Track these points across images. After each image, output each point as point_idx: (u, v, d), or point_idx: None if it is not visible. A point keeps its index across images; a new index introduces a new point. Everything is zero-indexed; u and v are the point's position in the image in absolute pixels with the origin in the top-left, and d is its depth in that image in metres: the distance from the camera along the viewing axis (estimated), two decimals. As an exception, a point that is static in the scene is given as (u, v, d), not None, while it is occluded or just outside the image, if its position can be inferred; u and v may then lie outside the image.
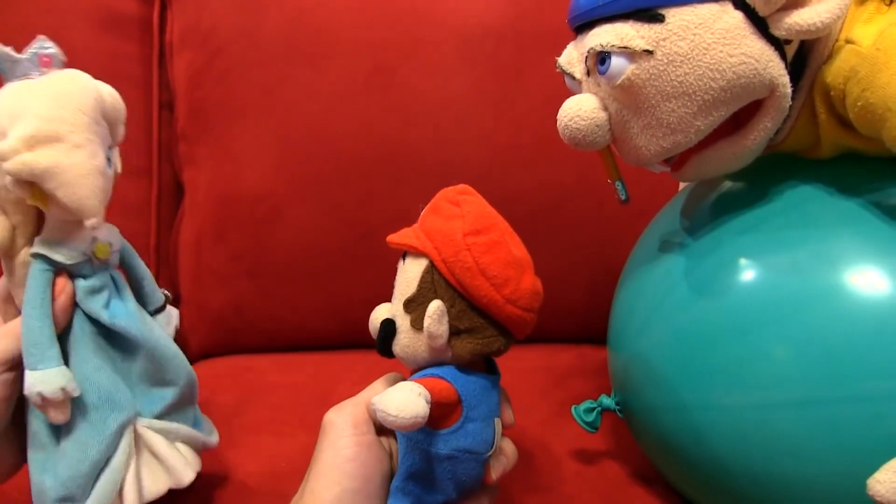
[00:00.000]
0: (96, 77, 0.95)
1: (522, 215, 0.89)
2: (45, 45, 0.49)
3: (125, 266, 0.55)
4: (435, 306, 0.47)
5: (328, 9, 0.91)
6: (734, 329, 0.49)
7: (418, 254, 0.49)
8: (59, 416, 0.47)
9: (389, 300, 0.52)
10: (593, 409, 0.62)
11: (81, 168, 0.44)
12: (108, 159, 0.48)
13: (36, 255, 0.48)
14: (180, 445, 0.54)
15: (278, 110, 0.92)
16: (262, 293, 0.95)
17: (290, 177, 0.92)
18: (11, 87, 0.47)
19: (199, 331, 0.96)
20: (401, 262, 0.51)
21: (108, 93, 0.50)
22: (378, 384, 0.52)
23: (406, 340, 0.49)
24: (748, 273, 0.50)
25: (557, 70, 0.53)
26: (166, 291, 0.58)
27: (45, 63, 0.48)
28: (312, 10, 0.92)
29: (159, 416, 0.52)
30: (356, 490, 0.47)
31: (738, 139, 0.49)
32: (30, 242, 0.49)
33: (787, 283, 0.48)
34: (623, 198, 0.56)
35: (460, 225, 0.48)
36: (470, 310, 0.48)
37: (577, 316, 0.93)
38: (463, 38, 0.90)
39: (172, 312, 0.57)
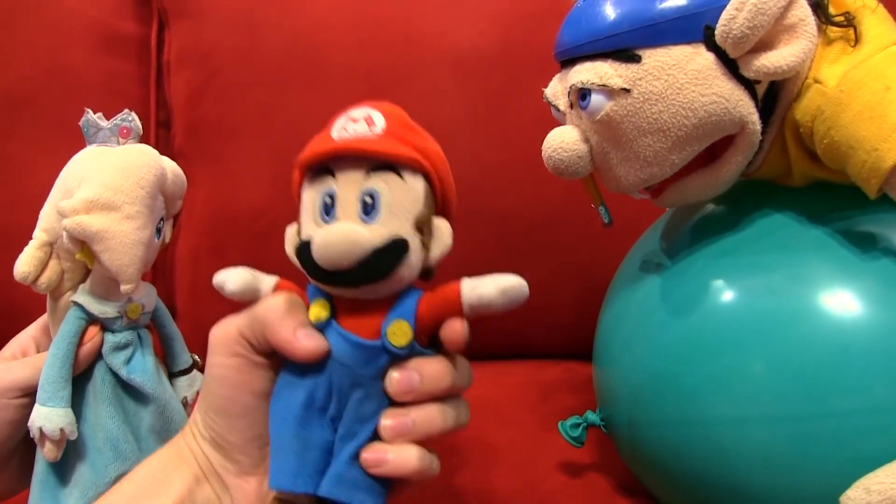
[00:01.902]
0: (94, 95, 0.97)
1: (512, 233, 0.92)
2: (127, 118, 0.51)
3: (157, 325, 0.57)
4: (447, 224, 0.44)
5: (324, 31, 0.93)
6: (712, 348, 0.51)
7: (417, 169, 0.43)
8: (50, 454, 0.49)
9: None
10: (579, 424, 0.63)
11: (128, 238, 0.47)
12: (159, 230, 0.51)
13: (75, 303, 0.50)
14: None
15: (275, 129, 0.93)
16: (258, 309, 0.96)
17: (286, 194, 0.88)
18: (90, 151, 0.51)
19: (196, 346, 0.96)
20: (374, 180, 0.42)
21: (171, 169, 0.52)
22: (276, 300, 0.43)
23: (415, 261, 0.42)
24: (725, 295, 0.52)
25: (544, 101, 0.56)
26: (197, 357, 0.59)
27: (124, 134, 0.51)
28: (309, 32, 0.93)
29: None
30: (217, 407, 0.43)
31: (712, 171, 0.51)
32: (74, 288, 0.52)
33: (762, 305, 0.50)
34: (606, 221, 0.58)
35: (437, 145, 0.46)
36: None
37: (564, 332, 0.94)
38: (455, 60, 0.91)
39: (197, 377, 0.57)
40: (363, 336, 0.42)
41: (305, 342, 0.41)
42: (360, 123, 0.43)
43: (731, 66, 0.47)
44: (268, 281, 0.45)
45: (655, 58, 0.47)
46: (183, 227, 0.99)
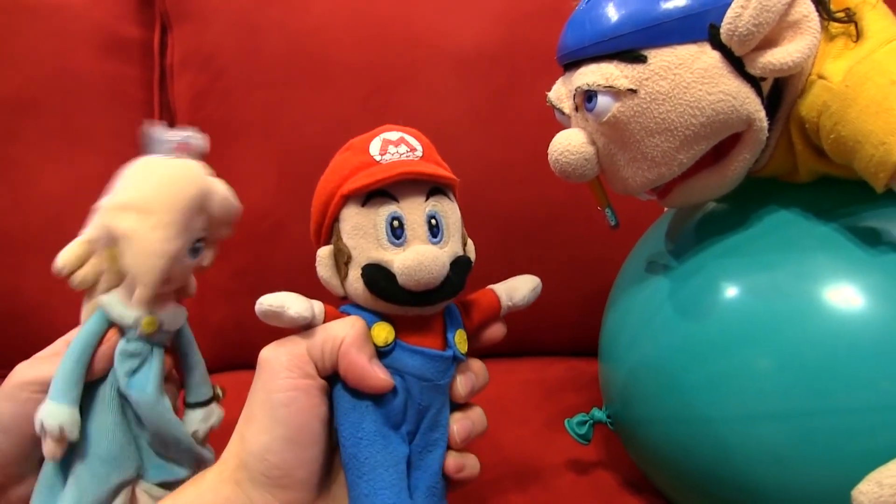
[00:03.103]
0: (98, 99, 0.96)
1: (516, 231, 0.92)
2: (189, 135, 0.51)
3: (180, 352, 0.56)
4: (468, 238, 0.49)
5: (327, 32, 0.92)
6: (718, 346, 0.50)
7: (454, 190, 0.48)
8: (49, 451, 0.48)
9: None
10: (585, 422, 0.63)
11: (152, 245, 0.46)
12: (196, 250, 0.51)
13: (100, 304, 0.50)
14: None
15: (279, 131, 0.93)
16: (263, 309, 0.96)
17: (290, 195, 0.93)
18: (143, 159, 0.50)
19: (200, 346, 0.96)
20: (434, 203, 0.45)
21: (220, 192, 0.51)
22: (354, 328, 0.44)
23: (467, 275, 0.47)
24: (731, 293, 0.51)
25: (548, 104, 0.55)
26: (219, 390, 0.58)
27: (181, 148, 0.50)
28: (312, 33, 0.93)
29: (162, 485, 0.52)
30: (289, 438, 0.42)
31: (720, 169, 0.51)
32: (107, 291, 0.51)
33: (768, 302, 0.49)
34: (613, 223, 0.58)
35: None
36: None
37: (569, 330, 0.94)
38: (458, 60, 0.90)
39: (214, 411, 0.56)
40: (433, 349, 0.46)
41: (382, 374, 0.43)
42: (401, 146, 0.46)
43: (736, 63, 0.47)
44: (318, 305, 0.45)
45: (661, 57, 0.47)
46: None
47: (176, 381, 0.56)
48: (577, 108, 0.52)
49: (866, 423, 0.45)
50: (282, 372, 0.43)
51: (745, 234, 0.54)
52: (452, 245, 0.46)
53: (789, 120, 0.51)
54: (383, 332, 0.45)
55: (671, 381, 0.53)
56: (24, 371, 0.50)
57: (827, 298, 0.47)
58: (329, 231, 0.46)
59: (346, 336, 0.43)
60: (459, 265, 0.45)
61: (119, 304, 0.50)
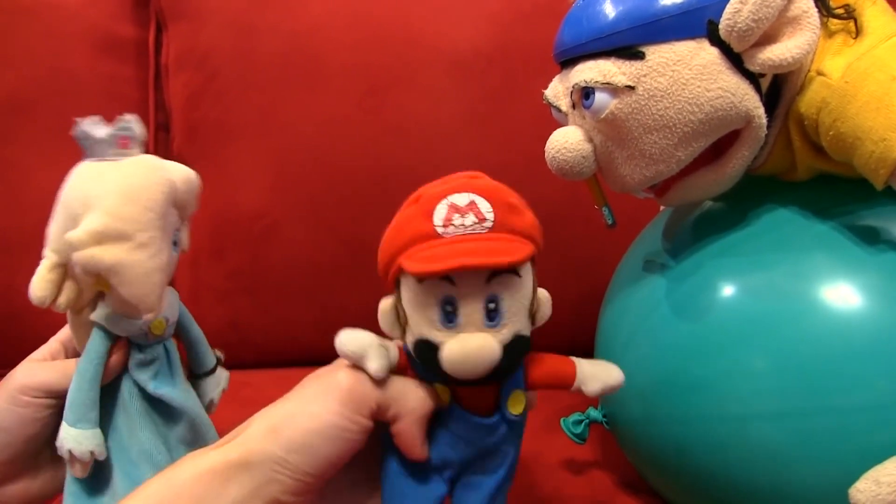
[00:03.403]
0: (93, 99, 0.96)
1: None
2: (125, 127, 0.48)
3: (181, 330, 0.55)
4: (547, 294, 0.47)
5: (322, 32, 0.92)
6: (715, 345, 0.50)
7: (528, 260, 0.43)
8: (79, 472, 0.48)
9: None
10: (581, 421, 0.63)
11: (142, 267, 0.45)
12: (176, 243, 0.49)
13: (95, 324, 0.49)
14: None
15: (273, 131, 0.93)
16: (258, 309, 0.96)
17: (285, 196, 0.93)
18: (88, 168, 0.47)
19: None
20: (495, 286, 0.41)
21: (179, 178, 0.49)
22: (422, 400, 0.44)
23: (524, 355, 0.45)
24: (727, 292, 0.51)
25: (544, 102, 0.55)
26: (219, 354, 0.58)
27: (123, 144, 0.48)
28: (306, 33, 0.92)
29: None
30: (326, 457, 0.41)
31: (718, 167, 0.50)
32: (94, 300, 0.49)
33: (764, 302, 0.49)
34: (610, 222, 0.57)
35: (527, 208, 0.46)
36: None
37: (564, 330, 0.91)
38: (453, 60, 0.90)
39: (222, 375, 0.56)
40: (482, 414, 0.44)
41: (424, 453, 0.44)
42: (468, 216, 0.42)
43: (735, 60, 0.46)
44: (393, 351, 0.44)
45: (659, 54, 0.46)
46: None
47: (182, 361, 0.55)
48: (574, 106, 0.52)
49: (863, 422, 0.45)
50: (350, 404, 0.41)
51: (742, 233, 0.53)
52: (513, 326, 0.42)
53: (788, 117, 0.50)
54: (445, 395, 0.45)
55: (667, 381, 0.53)
56: (26, 375, 0.50)
57: (824, 297, 0.47)
58: (392, 286, 0.45)
59: (415, 411, 0.43)
60: (513, 349, 0.42)
61: (120, 320, 0.49)
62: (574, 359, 0.47)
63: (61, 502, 0.51)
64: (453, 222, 0.42)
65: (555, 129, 0.53)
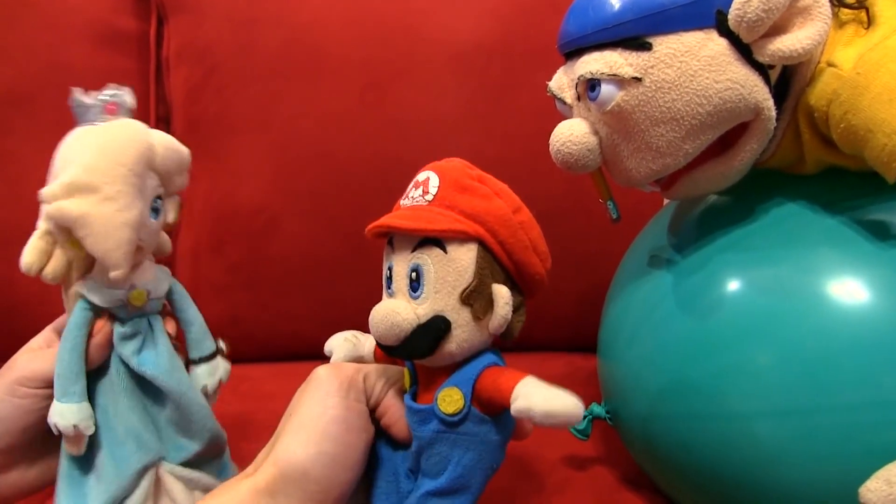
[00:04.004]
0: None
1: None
2: (115, 93, 0.48)
3: (175, 309, 0.54)
4: (505, 291, 0.43)
5: (322, 26, 0.92)
6: (719, 341, 0.49)
7: (465, 239, 0.43)
8: (72, 449, 0.48)
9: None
10: (584, 417, 0.62)
11: (109, 221, 0.44)
12: (156, 210, 0.48)
13: (78, 294, 0.48)
14: (199, 494, 0.52)
15: (274, 125, 0.93)
16: (258, 304, 0.96)
17: (285, 190, 0.93)
18: (76, 132, 0.47)
19: None
20: (419, 255, 0.43)
21: (161, 143, 0.49)
22: (396, 373, 0.48)
23: (465, 335, 0.43)
24: (732, 288, 0.50)
25: (548, 94, 0.54)
26: (222, 344, 0.57)
27: (110, 110, 0.48)
28: (307, 27, 0.92)
29: (183, 464, 0.52)
30: (335, 455, 0.42)
31: (726, 160, 0.49)
32: (83, 276, 0.49)
33: (769, 298, 0.48)
34: (615, 217, 0.56)
35: (503, 203, 0.45)
36: (516, 287, 0.46)
37: (567, 325, 0.93)
38: (454, 54, 0.90)
39: (220, 365, 0.55)
40: (423, 402, 0.45)
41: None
42: (418, 189, 0.45)
43: (744, 51, 0.45)
44: (369, 344, 0.50)
45: (667, 45, 0.45)
46: (183, 223, 0.98)
47: (180, 342, 0.55)
48: (579, 98, 0.50)
49: (869, 420, 0.44)
50: (339, 391, 0.44)
51: (748, 228, 0.52)
52: (434, 303, 0.43)
53: (797, 109, 0.50)
54: (406, 380, 0.47)
55: (671, 377, 0.52)
56: (23, 366, 0.50)
57: (829, 293, 0.47)
58: None
59: (398, 386, 0.47)
60: (425, 328, 0.42)
61: (98, 290, 0.48)
62: (530, 379, 0.42)
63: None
64: (409, 195, 0.45)
65: (557, 123, 0.52)
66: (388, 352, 0.44)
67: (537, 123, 0.88)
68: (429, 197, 0.44)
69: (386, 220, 0.43)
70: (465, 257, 0.43)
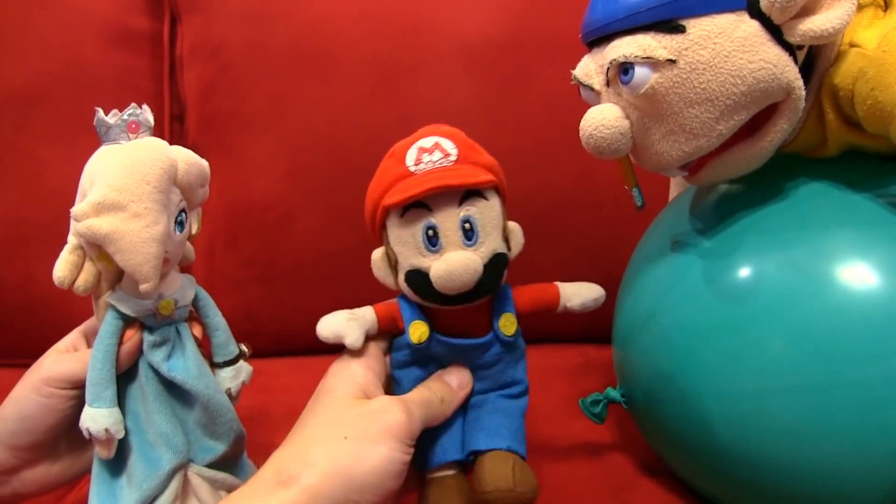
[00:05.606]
0: (108, 91, 0.95)
1: (524, 219, 0.89)
2: (135, 112, 0.49)
3: (200, 315, 0.55)
4: (518, 226, 0.50)
5: (334, 22, 0.91)
6: (732, 321, 0.50)
7: (493, 187, 0.48)
8: (103, 452, 0.49)
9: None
10: (600, 401, 0.62)
11: (138, 236, 0.45)
12: (181, 223, 0.49)
13: (108, 304, 0.49)
14: (223, 494, 0.53)
15: (287, 120, 0.92)
16: (272, 298, 0.95)
17: (299, 185, 0.92)
18: (101, 151, 0.48)
19: None
20: (467, 207, 0.46)
21: (184, 160, 0.50)
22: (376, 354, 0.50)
23: (505, 270, 0.49)
24: (746, 269, 0.51)
25: (573, 82, 0.53)
26: (245, 347, 0.58)
27: (133, 129, 0.49)
28: (319, 23, 0.91)
29: (209, 466, 0.53)
30: (384, 488, 0.43)
31: (755, 141, 0.49)
32: (112, 287, 0.50)
33: (783, 278, 0.49)
34: (639, 204, 0.56)
35: (488, 154, 0.50)
36: None
37: (579, 316, 0.91)
38: (465, 48, 0.89)
39: (242, 368, 0.56)
40: (474, 336, 0.50)
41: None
42: (434, 153, 0.47)
43: (775, 32, 0.45)
44: (370, 315, 0.50)
45: (700, 27, 0.45)
46: (198, 219, 0.96)
47: (204, 346, 0.55)
48: (608, 83, 0.49)
49: (881, 397, 0.44)
50: (405, 438, 0.44)
51: (764, 211, 0.53)
52: (489, 244, 0.47)
53: (820, 91, 0.49)
54: (418, 332, 0.49)
55: (686, 358, 0.52)
56: (50, 366, 0.51)
57: (841, 273, 0.47)
58: (380, 235, 0.49)
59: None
60: (494, 265, 0.47)
61: (128, 300, 0.49)
62: (559, 284, 0.52)
63: (80, 487, 0.52)
64: (423, 160, 0.47)
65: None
66: (454, 301, 0.47)
67: (547, 115, 0.88)
68: (452, 158, 0.47)
69: (436, 182, 0.45)
70: (496, 203, 0.48)
